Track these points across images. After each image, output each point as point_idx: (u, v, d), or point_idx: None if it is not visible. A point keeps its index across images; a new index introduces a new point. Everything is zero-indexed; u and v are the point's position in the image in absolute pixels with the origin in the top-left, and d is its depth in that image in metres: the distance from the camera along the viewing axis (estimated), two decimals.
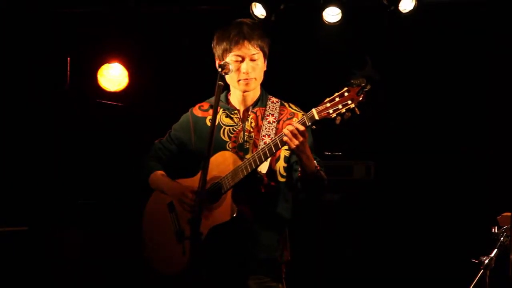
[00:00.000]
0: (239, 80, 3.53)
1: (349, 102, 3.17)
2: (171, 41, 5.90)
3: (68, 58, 5.78)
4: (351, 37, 5.58)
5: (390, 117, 5.84)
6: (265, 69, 3.59)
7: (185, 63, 5.85)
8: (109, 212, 5.70)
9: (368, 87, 3.16)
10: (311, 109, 3.26)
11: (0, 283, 4.90)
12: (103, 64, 5.89)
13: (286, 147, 3.36)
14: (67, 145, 5.83)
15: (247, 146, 3.53)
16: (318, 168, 3.39)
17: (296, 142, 3.24)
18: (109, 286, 5.48)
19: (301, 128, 3.24)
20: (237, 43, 3.48)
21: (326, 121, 3.22)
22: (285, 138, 3.26)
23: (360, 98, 3.16)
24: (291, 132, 3.24)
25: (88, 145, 5.89)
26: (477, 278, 3.86)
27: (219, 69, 3.38)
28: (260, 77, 3.58)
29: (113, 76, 5.92)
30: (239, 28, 3.51)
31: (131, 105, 5.97)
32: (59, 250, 5.33)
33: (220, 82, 3.35)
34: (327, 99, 3.23)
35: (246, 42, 3.48)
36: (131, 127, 5.83)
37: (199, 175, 3.42)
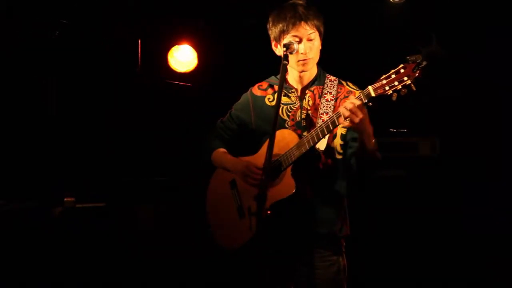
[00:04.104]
0: (298, 61, 3.55)
1: (405, 78, 3.15)
2: (238, 22, 5.93)
3: (139, 41, 5.86)
4: (416, 14, 5.51)
5: (454, 93, 5.78)
6: (320, 47, 3.59)
7: (251, 43, 5.91)
8: (179, 188, 5.80)
9: (424, 63, 3.13)
10: (367, 87, 3.25)
11: (80, 255, 5.10)
12: (173, 46, 5.99)
13: (343, 124, 3.37)
14: (140, 126, 5.97)
15: (305, 124, 3.57)
16: (376, 148, 3.38)
17: (356, 119, 3.22)
18: (179, 258, 5.60)
19: (357, 102, 3.21)
20: (294, 24, 3.49)
21: (382, 98, 3.21)
22: (346, 114, 3.22)
23: (416, 75, 3.14)
24: (351, 110, 3.21)
25: (159, 125, 6.01)
26: None
27: (284, 49, 3.41)
28: (316, 56, 3.59)
29: (183, 58, 6.01)
30: (294, 9, 3.51)
31: (200, 86, 6.06)
32: (134, 224, 5.49)
33: (285, 62, 3.38)
34: (383, 76, 3.21)
35: (303, 23, 3.49)
36: (200, 107, 5.90)
37: (259, 152, 3.55)
